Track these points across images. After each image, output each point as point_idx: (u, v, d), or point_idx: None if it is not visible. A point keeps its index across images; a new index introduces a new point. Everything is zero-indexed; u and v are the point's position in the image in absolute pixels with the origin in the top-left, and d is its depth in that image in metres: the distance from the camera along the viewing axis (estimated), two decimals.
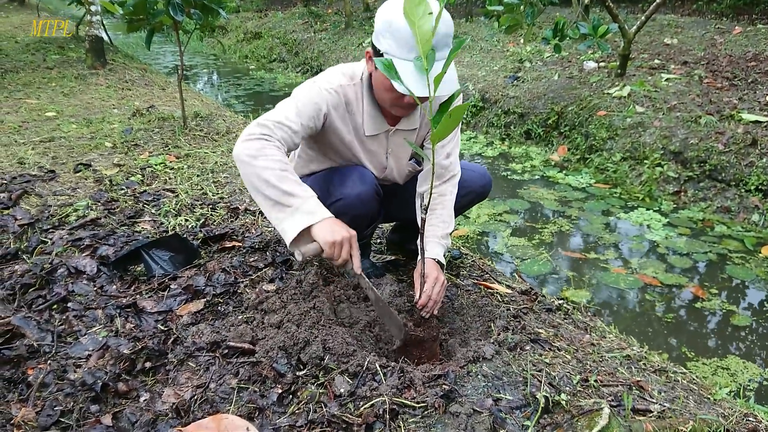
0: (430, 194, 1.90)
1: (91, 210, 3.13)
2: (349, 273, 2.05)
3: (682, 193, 5.23)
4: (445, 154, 2.38)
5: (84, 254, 2.66)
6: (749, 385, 2.85)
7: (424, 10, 1.62)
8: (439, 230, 2.32)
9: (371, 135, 2.28)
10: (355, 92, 2.20)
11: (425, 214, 1.89)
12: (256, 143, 1.93)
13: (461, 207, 2.62)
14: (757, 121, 5.37)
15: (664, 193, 5.31)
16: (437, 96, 1.77)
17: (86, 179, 3.63)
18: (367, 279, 2.06)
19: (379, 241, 3.16)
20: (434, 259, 2.24)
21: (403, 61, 1.87)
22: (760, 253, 4.23)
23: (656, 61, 7.74)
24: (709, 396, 2.03)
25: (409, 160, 2.46)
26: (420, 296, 2.06)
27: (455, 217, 2.62)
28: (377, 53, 1.97)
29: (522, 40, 9.70)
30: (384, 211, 2.54)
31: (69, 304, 2.29)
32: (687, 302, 3.61)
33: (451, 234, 2.37)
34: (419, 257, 2.05)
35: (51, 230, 2.88)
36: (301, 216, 1.90)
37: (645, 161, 5.57)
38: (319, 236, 1.91)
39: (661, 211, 4.98)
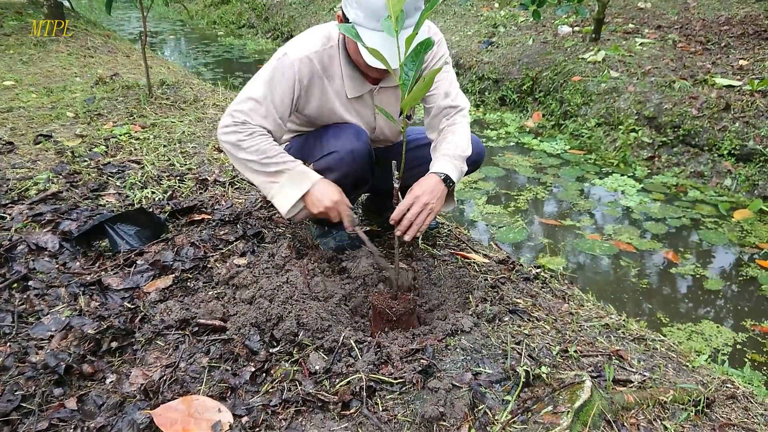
0: (403, 159, 1.82)
1: (53, 183, 3.00)
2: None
3: (656, 159, 5.23)
4: (443, 95, 2.29)
5: (45, 230, 2.55)
6: (723, 350, 2.88)
7: None
8: (450, 150, 2.19)
9: (354, 97, 2.22)
10: (331, 56, 2.13)
11: (398, 183, 1.82)
12: (232, 136, 2.05)
13: None
14: (730, 86, 5.37)
15: (638, 158, 5.31)
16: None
17: (47, 151, 3.48)
18: (362, 233, 2.14)
19: (354, 211, 3.08)
20: (438, 174, 2.11)
21: (369, 31, 1.86)
22: (732, 217, 4.26)
23: (630, 25, 7.69)
24: (687, 363, 2.02)
25: (399, 116, 2.37)
26: (395, 211, 2.00)
27: None
28: (347, 19, 1.95)
29: (497, 4, 9.56)
30: (372, 179, 2.45)
31: (30, 283, 2.18)
32: (661, 267, 3.62)
33: (465, 159, 2.22)
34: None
35: (10, 205, 2.75)
36: (290, 189, 2.08)
37: (619, 127, 5.55)
38: (309, 205, 2.11)
39: (635, 177, 4.98)
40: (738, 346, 2.91)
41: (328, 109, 2.23)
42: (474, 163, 2.43)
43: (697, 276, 3.54)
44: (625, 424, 1.58)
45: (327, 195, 2.08)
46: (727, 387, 1.89)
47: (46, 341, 1.89)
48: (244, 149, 2.04)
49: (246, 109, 2.06)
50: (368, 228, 2.85)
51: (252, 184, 2.31)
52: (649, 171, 5.14)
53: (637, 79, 5.89)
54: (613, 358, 1.91)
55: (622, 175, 5.00)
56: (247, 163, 2.06)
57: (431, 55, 2.27)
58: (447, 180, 2.12)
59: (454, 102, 2.31)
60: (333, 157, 2.18)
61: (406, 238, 2.02)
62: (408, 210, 2.02)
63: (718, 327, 3.06)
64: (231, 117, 2.06)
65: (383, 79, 2.23)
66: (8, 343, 1.86)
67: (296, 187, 2.08)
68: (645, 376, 1.81)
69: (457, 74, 7.46)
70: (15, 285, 2.17)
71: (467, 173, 2.44)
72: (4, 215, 2.65)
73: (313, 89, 2.16)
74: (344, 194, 2.14)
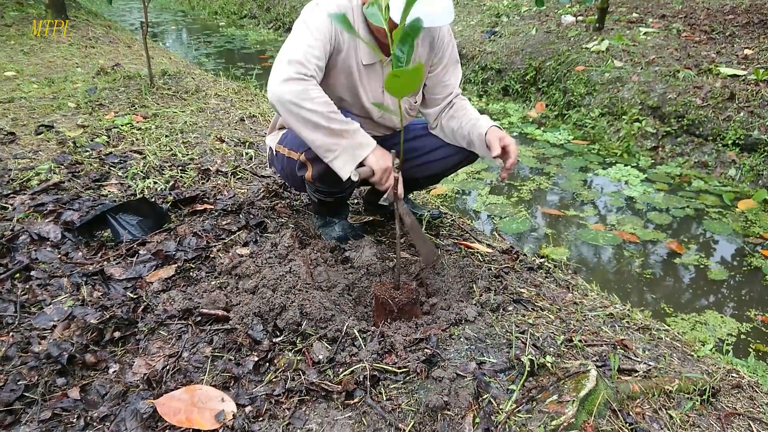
0: (401, 141, 1.81)
1: (54, 173, 2.99)
2: (388, 197, 2.11)
3: (660, 149, 5.21)
4: (458, 86, 2.43)
5: (47, 220, 2.54)
6: (727, 340, 2.87)
7: None
8: (479, 114, 2.32)
9: (368, 64, 2.21)
10: (353, 17, 2.14)
11: (398, 172, 1.80)
12: (298, 85, 1.92)
13: (451, 167, 2.55)
14: (735, 75, 5.34)
15: (641, 148, 5.29)
16: (432, 26, 1.91)
17: (48, 141, 3.47)
18: (404, 204, 2.09)
19: (356, 201, 3.07)
20: (497, 126, 2.24)
21: None
22: (736, 207, 4.24)
23: (634, 14, 7.64)
24: (692, 353, 2.01)
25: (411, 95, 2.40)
26: (506, 160, 2.14)
27: (444, 177, 2.67)
28: None
29: None
30: None
31: (32, 273, 2.18)
32: (665, 258, 3.61)
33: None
34: (480, 130, 2.22)
35: (12, 195, 2.74)
36: (354, 150, 1.99)
37: (623, 117, 5.53)
38: (371, 163, 2.01)
39: (638, 167, 4.96)
40: (742, 336, 2.90)
41: (348, 68, 2.18)
42: (471, 154, 2.47)
43: (701, 266, 3.53)
44: (631, 413, 1.58)
45: (380, 159, 2.03)
46: (732, 377, 1.88)
47: (49, 331, 1.89)
48: (311, 99, 1.92)
49: (302, 55, 1.97)
50: (371, 218, 2.84)
51: (296, 140, 2.23)
52: (652, 161, 5.11)
53: (641, 68, 5.86)
54: (618, 347, 1.90)
55: (626, 165, 4.97)
56: (312, 115, 1.92)
57: (448, 39, 2.36)
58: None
59: (456, 89, 2.43)
60: None
61: (506, 175, 2.16)
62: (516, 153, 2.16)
63: (722, 317, 3.05)
64: (290, 66, 1.94)
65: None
66: (11, 333, 1.86)
67: (357, 151, 2.01)
68: (650, 365, 1.81)
69: (460, 64, 7.43)
70: (17, 275, 2.16)
71: (468, 163, 2.52)
72: (6, 205, 2.64)
73: (342, 41, 2.13)
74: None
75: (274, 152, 2.45)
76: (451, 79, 2.39)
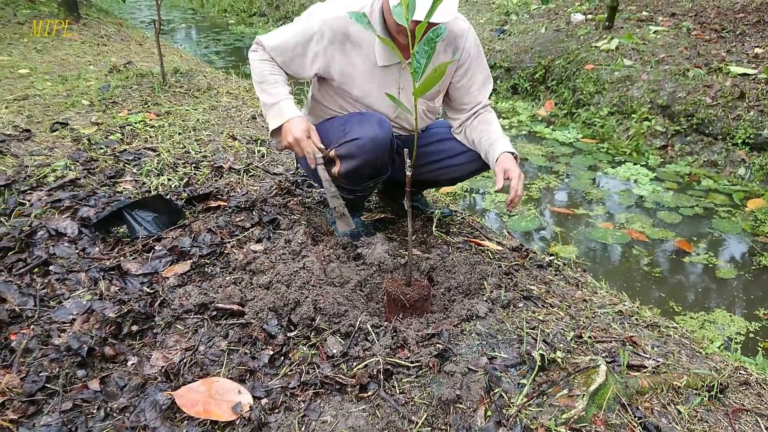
0: (415, 142, 1.83)
1: (70, 170, 3.03)
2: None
3: (669, 147, 5.21)
4: (486, 91, 2.51)
5: (64, 216, 2.59)
6: (735, 338, 2.88)
7: None
8: (500, 133, 2.39)
9: (384, 65, 2.26)
10: (371, 20, 2.18)
11: (410, 171, 1.82)
12: (251, 55, 2.33)
13: (472, 172, 2.60)
14: (745, 74, 5.33)
15: (651, 147, 5.29)
16: (437, 21, 1.88)
17: (63, 138, 3.52)
18: (324, 171, 2.28)
19: (369, 199, 3.10)
20: (510, 152, 2.30)
21: None
22: (746, 206, 4.24)
23: (644, 12, 7.63)
24: (700, 350, 2.03)
25: (434, 99, 2.46)
26: (510, 193, 2.23)
27: (461, 182, 2.73)
28: None
29: None
30: (392, 169, 2.47)
31: (51, 268, 2.22)
32: (674, 256, 3.62)
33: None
34: (493, 154, 2.29)
35: (29, 191, 2.79)
36: (272, 118, 2.26)
37: (632, 115, 5.53)
38: (282, 137, 2.26)
39: (648, 166, 4.97)
40: (751, 335, 2.92)
41: (349, 74, 2.27)
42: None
43: (710, 265, 3.54)
44: (640, 407, 1.60)
45: (291, 131, 2.20)
46: (740, 374, 1.90)
47: (68, 324, 1.93)
48: (253, 69, 2.31)
49: (266, 37, 2.30)
50: (383, 215, 2.87)
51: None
52: (662, 160, 5.12)
53: (651, 67, 5.86)
54: (627, 344, 1.93)
55: (635, 164, 4.98)
56: (254, 79, 2.32)
57: (475, 52, 2.40)
58: (516, 157, 2.32)
59: (486, 99, 2.51)
60: (355, 143, 2.20)
61: (512, 209, 2.29)
62: (516, 189, 2.23)
63: (730, 316, 3.07)
64: (255, 44, 2.33)
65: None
66: (31, 326, 1.90)
67: (276, 119, 2.24)
68: (658, 361, 1.83)
69: None
70: (36, 270, 2.21)
71: (480, 172, 2.60)
72: (24, 202, 2.69)
73: (334, 51, 2.23)
74: (313, 130, 2.28)
75: None
76: (480, 91, 2.47)
